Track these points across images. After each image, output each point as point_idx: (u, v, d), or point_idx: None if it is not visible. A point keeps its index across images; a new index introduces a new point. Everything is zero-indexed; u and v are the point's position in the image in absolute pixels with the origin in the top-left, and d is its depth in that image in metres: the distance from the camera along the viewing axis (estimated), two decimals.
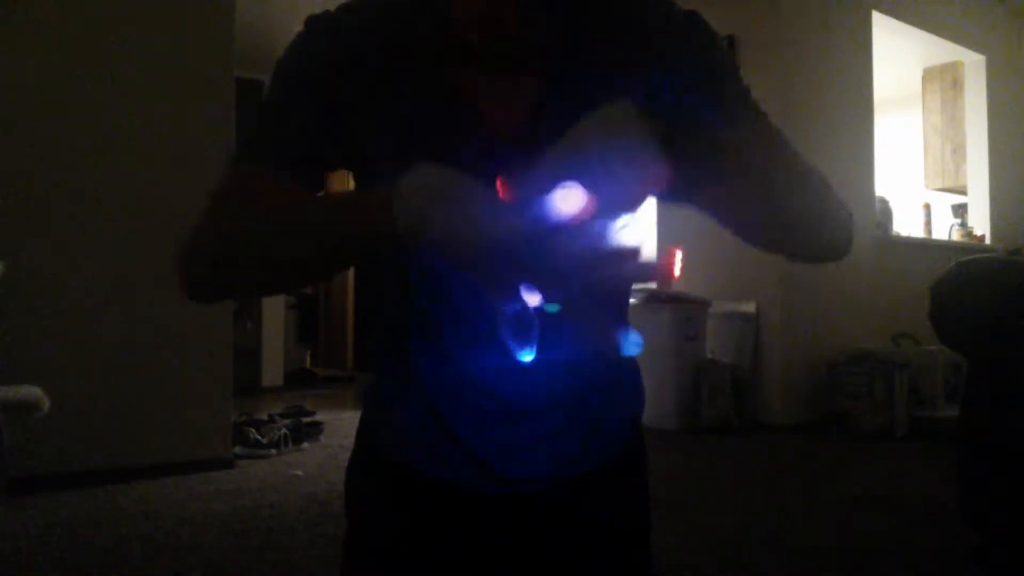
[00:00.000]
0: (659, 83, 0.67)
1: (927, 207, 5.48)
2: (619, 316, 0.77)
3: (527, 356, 0.49)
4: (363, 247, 0.56)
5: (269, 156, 0.67)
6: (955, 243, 5.05)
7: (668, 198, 0.57)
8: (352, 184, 0.75)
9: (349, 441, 0.80)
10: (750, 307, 4.01)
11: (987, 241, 5.05)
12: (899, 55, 5.17)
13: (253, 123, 0.69)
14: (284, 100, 0.69)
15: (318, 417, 3.76)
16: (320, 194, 0.69)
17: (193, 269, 0.63)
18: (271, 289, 0.73)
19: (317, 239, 0.57)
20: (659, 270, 0.48)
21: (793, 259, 0.71)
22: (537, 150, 0.48)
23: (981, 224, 5.15)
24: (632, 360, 0.81)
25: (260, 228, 0.60)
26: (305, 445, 3.39)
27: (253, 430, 3.24)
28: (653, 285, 4.14)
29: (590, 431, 0.74)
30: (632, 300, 3.94)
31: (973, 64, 5.21)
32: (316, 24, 0.71)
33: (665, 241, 4.45)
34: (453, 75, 0.67)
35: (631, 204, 0.46)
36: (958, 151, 5.29)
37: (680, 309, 3.84)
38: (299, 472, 2.93)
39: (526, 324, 0.48)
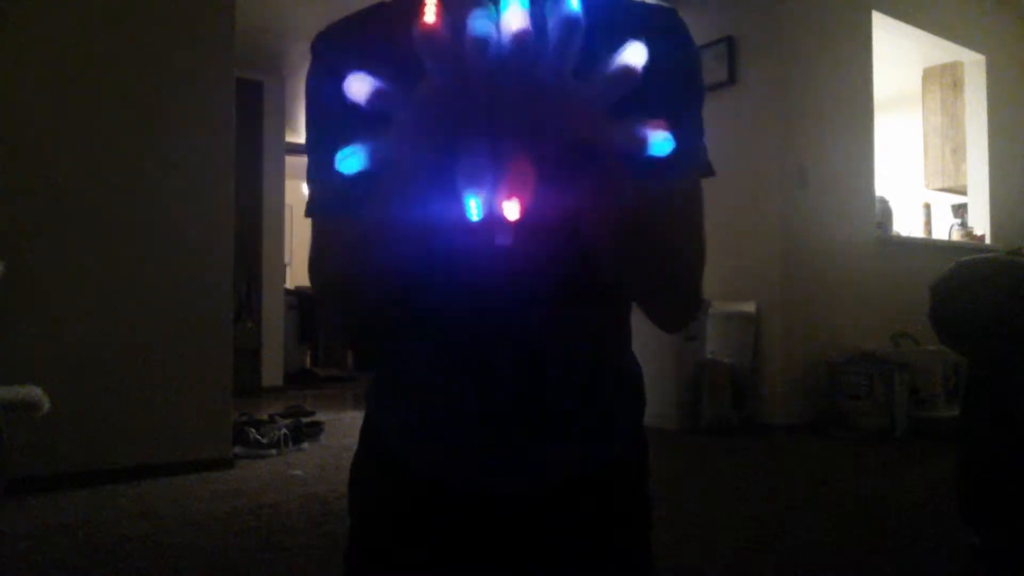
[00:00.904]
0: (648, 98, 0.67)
1: (927, 207, 5.48)
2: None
3: (475, 213, 0.44)
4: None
5: (329, 204, 0.69)
6: (955, 243, 5.05)
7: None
8: None
9: (349, 441, 0.81)
10: (750, 307, 4.01)
11: (987, 241, 5.05)
12: (899, 55, 5.17)
13: (309, 168, 0.72)
14: (321, 139, 0.70)
15: (318, 417, 3.76)
16: None
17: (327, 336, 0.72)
18: (384, 315, 0.72)
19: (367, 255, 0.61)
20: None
21: (647, 314, 0.72)
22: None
23: (981, 224, 5.15)
24: (634, 360, 0.81)
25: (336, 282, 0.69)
26: (305, 445, 3.39)
27: (253, 430, 3.24)
28: None
29: (590, 431, 0.74)
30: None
31: (973, 64, 5.22)
32: (322, 44, 0.71)
33: None
34: None
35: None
36: (958, 151, 5.29)
37: None
38: (299, 472, 2.93)
39: (480, 172, 0.44)
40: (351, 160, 0.46)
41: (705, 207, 0.71)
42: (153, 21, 2.90)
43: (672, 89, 0.66)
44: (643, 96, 0.65)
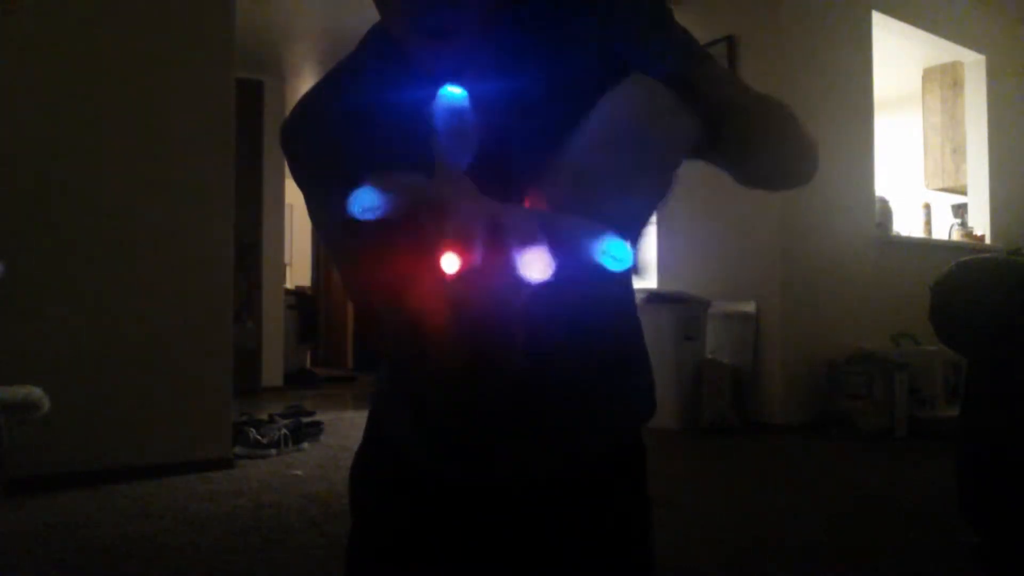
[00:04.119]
0: (608, 28, 0.66)
1: (927, 207, 5.48)
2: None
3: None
4: None
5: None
6: (955, 243, 5.05)
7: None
8: None
9: (349, 441, 0.81)
10: (750, 307, 4.01)
11: (987, 241, 5.05)
12: (899, 55, 5.17)
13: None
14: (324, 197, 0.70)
15: (318, 417, 3.76)
16: None
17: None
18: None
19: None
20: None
21: (775, 188, 0.70)
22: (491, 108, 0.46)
23: (981, 224, 5.15)
24: (638, 352, 0.80)
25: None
26: (305, 445, 3.39)
27: (253, 430, 3.24)
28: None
29: (590, 431, 0.74)
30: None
31: (973, 64, 5.22)
32: (309, 108, 0.72)
33: (664, 243, 4.45)
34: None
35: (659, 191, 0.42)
36: (958, 151, 5.29)
37: (680, 309, 3.84)
38: (299, 472, 2.93)
39: (462, 123, 0.41)
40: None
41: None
42: (153, 21, 2.90)
43: (637, 26, 0.66)
44: (611, 36, 0.64)
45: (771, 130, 0.64)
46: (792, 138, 0.65)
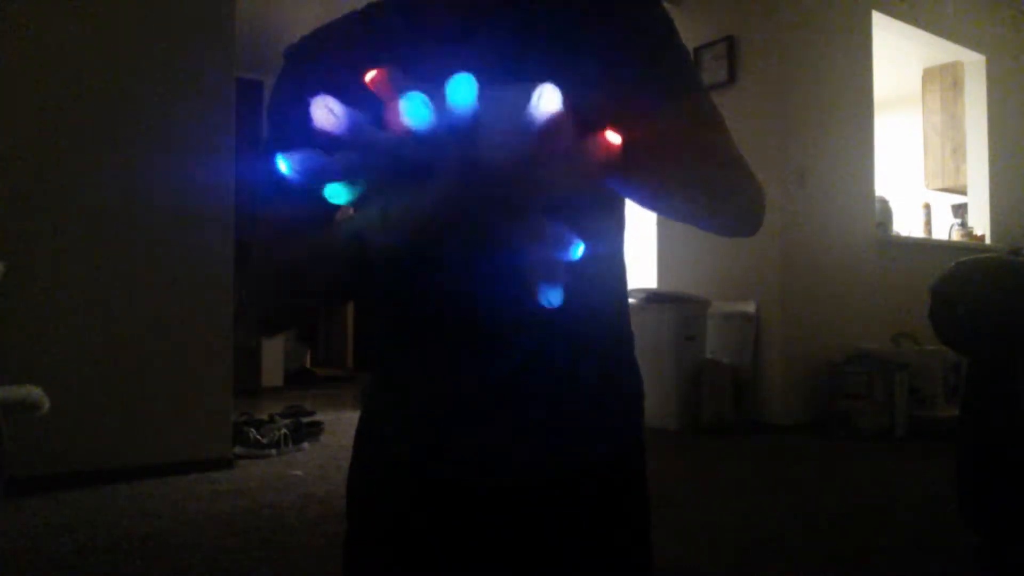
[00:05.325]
0: (608, 50, 0.67)
1: (927, 207, 5.48)
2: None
3: (553, 299, 0.45)
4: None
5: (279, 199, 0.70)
6: (955, 243, 5.05)
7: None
8: None
9: (349, 441, 0.81)
10: (750, 307, 4.01)
11: (987, 241, 5.05)
12: (899, 55, 5.17)
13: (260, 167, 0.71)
14: (280, 140, 0.70)
15: (318, 417, 3.76)
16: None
17: (255, 313, 0.75)
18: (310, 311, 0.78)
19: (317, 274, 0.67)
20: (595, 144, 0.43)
21: (706, 230, 0.71)
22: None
23: (981, 224, 5.15)
24: (630, 356, 0.81)
25: (279, 276, 0.70)
26: (305, 445, 3.40)
27: (253, 430, 3.24)
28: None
29: (585, 429, 0.74)
30: (632, 300, 3.94)
31: (973, 64, 5.22)
32: (295, 54, 0.73)
33: (664, 243, 4.45)
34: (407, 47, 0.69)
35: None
36: (958, 151, 5.29)
37: (680, 309, 3.84)
38: (299, 472, 2.93)
39: (553, 264, 0.45)
40: (340, 193, 0.46)
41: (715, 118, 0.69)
42: (154, 21, 2.90)
43: (639, 53, 0.67)
44: (616, 66, 0.66)
45: (691, 177, 0.64)
46: (719, 191, 0.66)
